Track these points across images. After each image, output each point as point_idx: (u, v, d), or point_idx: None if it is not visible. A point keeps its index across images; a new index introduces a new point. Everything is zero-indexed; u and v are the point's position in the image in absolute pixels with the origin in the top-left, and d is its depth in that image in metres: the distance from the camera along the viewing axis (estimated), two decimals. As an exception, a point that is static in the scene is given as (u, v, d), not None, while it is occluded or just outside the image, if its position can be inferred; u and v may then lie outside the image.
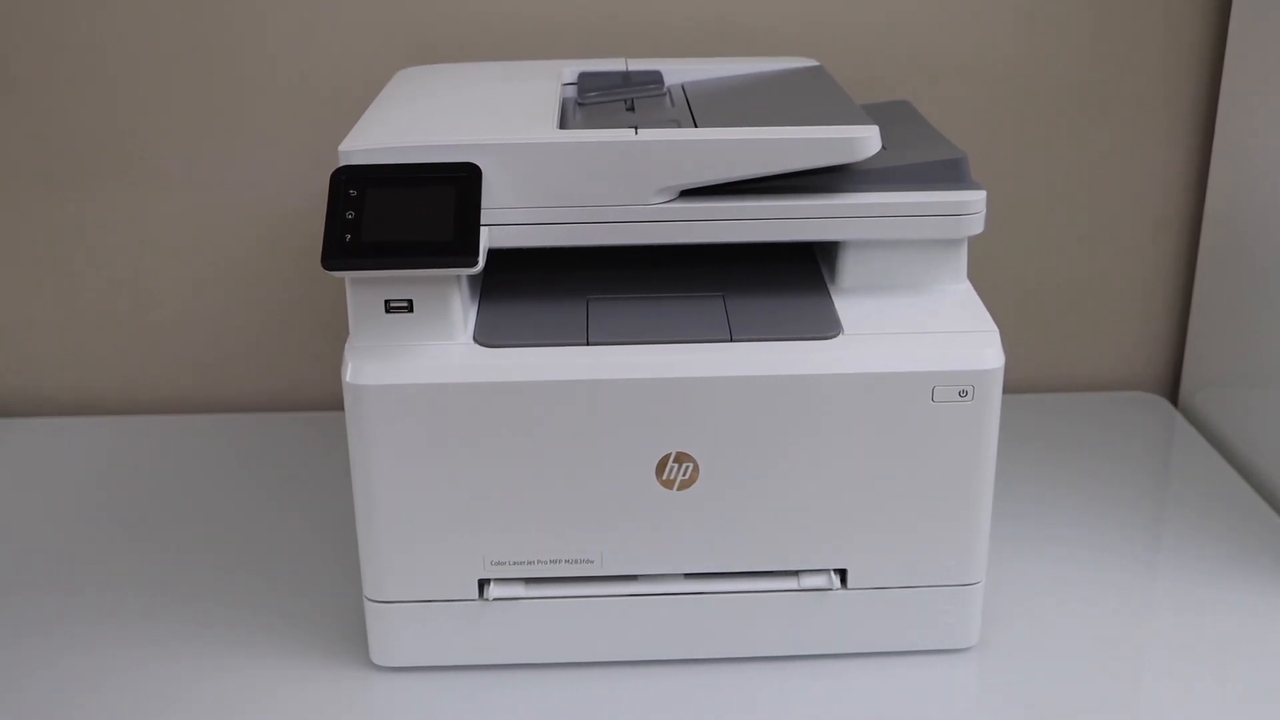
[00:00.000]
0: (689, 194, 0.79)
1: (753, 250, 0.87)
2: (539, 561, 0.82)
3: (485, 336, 0.79)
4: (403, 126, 0.84)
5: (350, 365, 0.78)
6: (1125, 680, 0.86)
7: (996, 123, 1.19)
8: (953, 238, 0.82)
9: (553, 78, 0.95)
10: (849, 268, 0.84)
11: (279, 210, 1.20)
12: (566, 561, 0.82)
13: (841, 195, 0.80)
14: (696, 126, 0.84)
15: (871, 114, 0.83)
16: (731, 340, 0.79)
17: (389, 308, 0.78)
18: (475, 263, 0.75)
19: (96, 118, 1.16)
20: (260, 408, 1.26)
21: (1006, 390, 0.81)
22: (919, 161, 0.82)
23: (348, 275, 0.77)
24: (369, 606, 0.84)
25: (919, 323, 0.81)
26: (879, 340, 0.79)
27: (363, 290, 0.78)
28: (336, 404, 0.80)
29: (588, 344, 0.79)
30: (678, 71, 1.00)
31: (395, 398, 0.77)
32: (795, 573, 0.84)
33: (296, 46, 1.15)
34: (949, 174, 0.82)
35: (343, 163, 0.78)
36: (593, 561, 0.82)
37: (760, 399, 0.78)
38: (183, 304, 1.23)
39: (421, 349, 0.78)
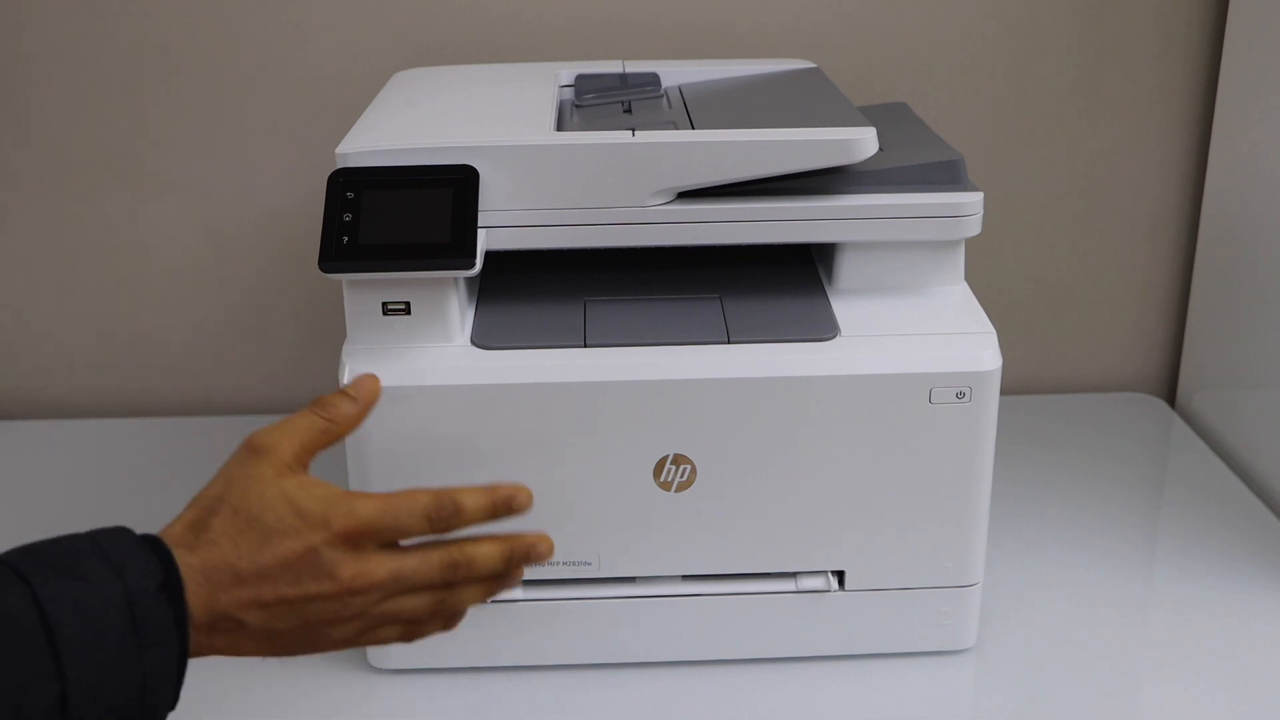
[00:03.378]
0: (686, 195, 0.79)
1: (750, 252, 0.87)
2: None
3: (483, 338, 0.79)
4: (400, 129, 0.84)
5: (348, 368, 0.77)
6: (1122, 681, 0.86)
7: (993, 124, 1.19)
8: (950, 239, 0.83)
9: (550, 80, 0.95)
10: (846, 269, 0.84)
11: (276, 213, 1.20)
12: (564, 564, 0.82)
13: (838, 197, 0.80)
14: (694, 128, 0.84)
15: (868, 116, 0.83)
16: (729, 342, 0.79)
17: (386, 310, 0.78)
18: (473, 265, 0.75)
19: (93, 121, 1.16)
20: (258, 410, 1.26)
21: (1004, 392, 0.81)
22: (916, 163, 0.82)
23: (345, 278, 0.77)
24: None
25: (916, 324, 0.81)
26: (876, 342, 0.79)
27: (360, 293, 0.78)
28: (334, 406, 0.80)
29: (585, 346, 0.79)
30: (675, 73, 1.00)
31: (393, 400, 0.77)
32: (793, 574, 0.84)
33: (293, 49, 1.15)
34: (946, 176, 0.82)
35: (340, 165, 0.78)
36: (590, 564, 0.82)
37: (758, 401, 0.78)
38: (180, 307, 1.23)
39: (419, 351, 0.78)
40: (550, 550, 0.66)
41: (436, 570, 0.63)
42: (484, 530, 0.65)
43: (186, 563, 0.59)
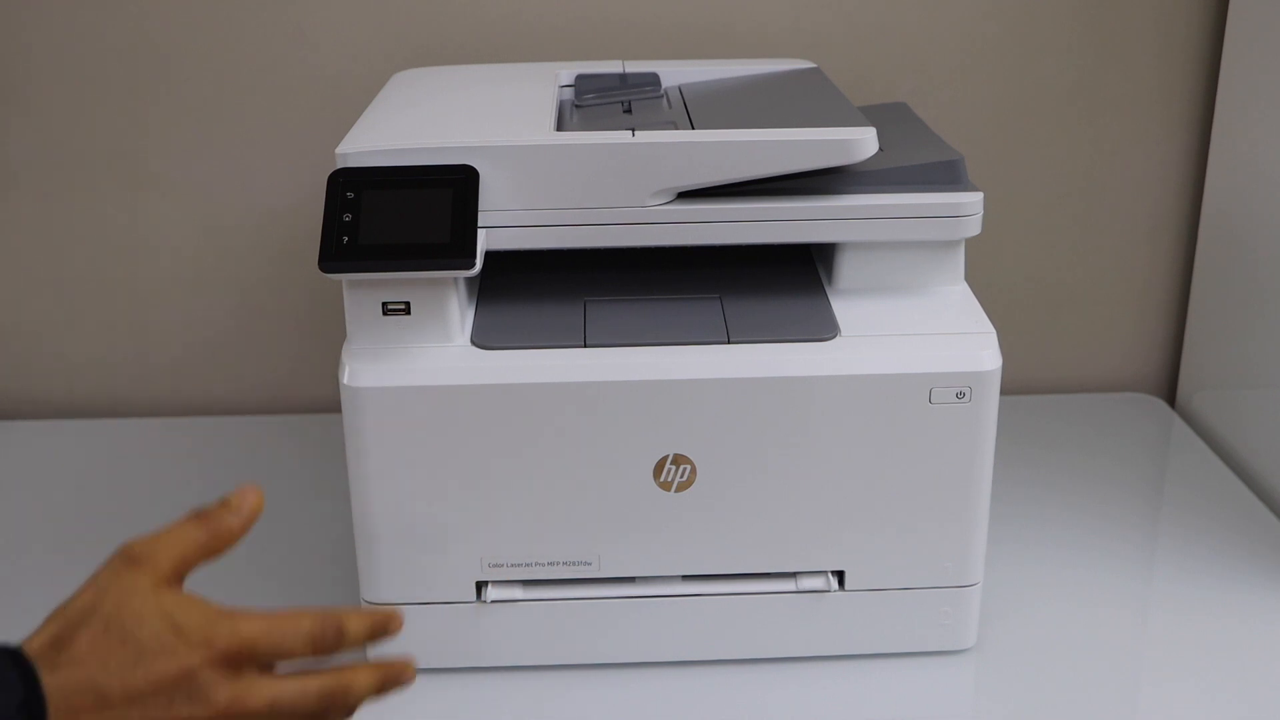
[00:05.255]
0: (686, 196, 0.79)
1: (750, 252, 0.87)
2: (536, 564, 0.82)
3: (483, 339, 0.79)
4: (400, 129, 0.84)
5: (348, 368, 0.77)
6: (1123, 681, 0.86)
7: (993, 124, 1.19)
8: (950, 239, 0.82)
9: (550, 80, 0.95)
10: (846, 269, 0.84)
11: (276, 213, 1.20)
12: (564, 564, 0.82)
13: (839, 197, 0.80)
14: (694, 128, 0.84)
15: (868, 116, 0.83)
16: (729, 342, 0.79)
17: (386, 310, 0.78)
18: (473, 265, 0.75)
19: (93, 120, 1.16)
20: (257, 410, 1.26)
21: (1004, 392, 0.81)
22: (916, 163, 0.82)
23: (345, 278, 0.77)
24: (366, 609, 0.83)
25: (916, 324, 0.81)
26: (876, 342, 0.79)
27: (360, 293, 0.78)
28: (334, 406, 0.80)
29: (585, 346, 0.79)
30: (675, 73, 1.00)
31: (392, 400, 0.77)
32: (793, 574, 0.84)
33: (293, 49, 1.15)
34: (946, 176, 0.82)
35: (340, 165, 0.78)
36: (590, 564, 0.82)
37: (758, 401, 0.78)
38: (179, 307, 1.23)
39: (419, 351, 0.78)
40: (414, 674, 0.66)
41: (314, 700, 0.61)
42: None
43: (46, 682, 0.56)
